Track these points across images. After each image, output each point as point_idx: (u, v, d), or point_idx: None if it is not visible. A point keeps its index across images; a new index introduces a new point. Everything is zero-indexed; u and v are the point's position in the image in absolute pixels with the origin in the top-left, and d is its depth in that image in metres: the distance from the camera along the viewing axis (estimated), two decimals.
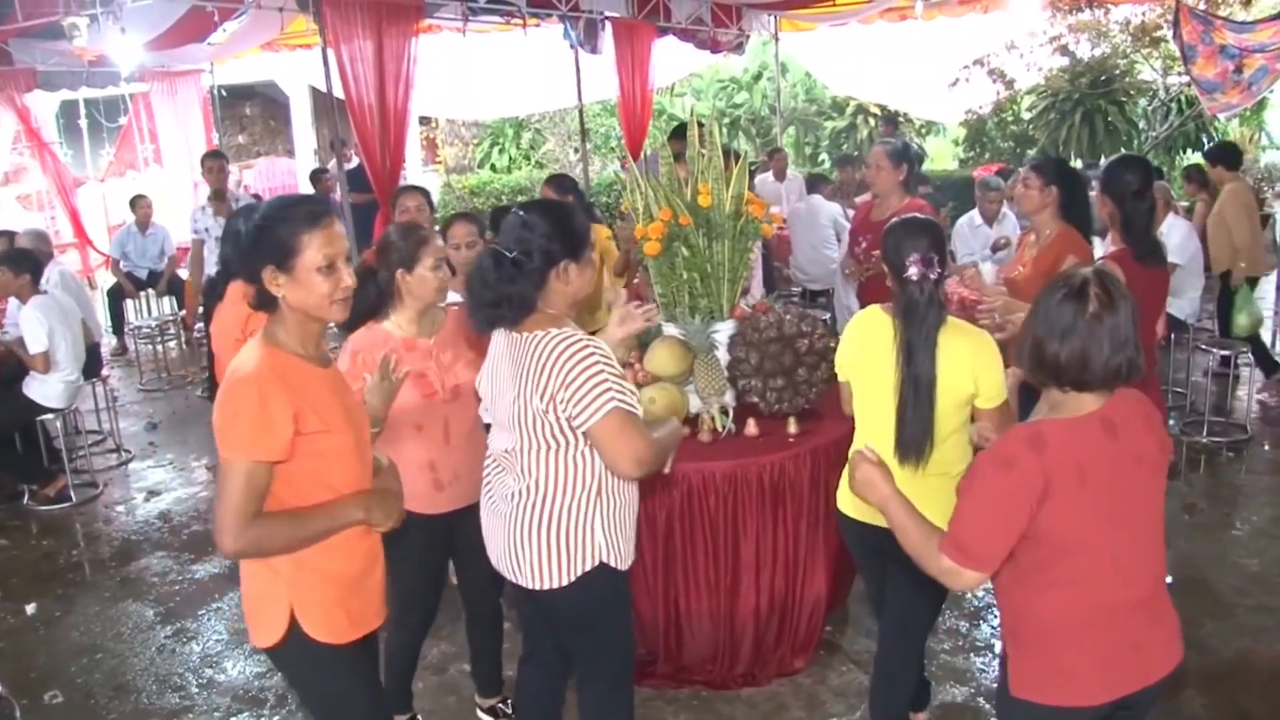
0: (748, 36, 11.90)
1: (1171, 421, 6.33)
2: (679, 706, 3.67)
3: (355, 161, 9.12)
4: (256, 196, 11.33)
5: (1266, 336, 8.21)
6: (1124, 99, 10.87)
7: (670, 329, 3.86)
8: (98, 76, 10.71)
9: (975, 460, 2.17)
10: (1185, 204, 8.83)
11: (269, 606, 2.32)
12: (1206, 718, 3.51)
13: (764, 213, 3.86)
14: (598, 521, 2.61)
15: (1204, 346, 6.76)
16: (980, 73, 11.03)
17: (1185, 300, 6.48)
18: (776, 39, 12.56)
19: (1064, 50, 10.80)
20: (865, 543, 3.03)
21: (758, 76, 16.91)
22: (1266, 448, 6.10)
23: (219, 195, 7.52)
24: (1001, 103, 11.54)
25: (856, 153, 14.07)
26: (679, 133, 7.99)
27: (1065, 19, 10.61)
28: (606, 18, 9.50)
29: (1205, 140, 12.17)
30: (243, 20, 7.79)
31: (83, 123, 13.39)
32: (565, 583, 2.61)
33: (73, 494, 6.12)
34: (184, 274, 9.10)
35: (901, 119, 14.71)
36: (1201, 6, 8.53)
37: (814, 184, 8.90)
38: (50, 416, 6.14)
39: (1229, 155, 7.54)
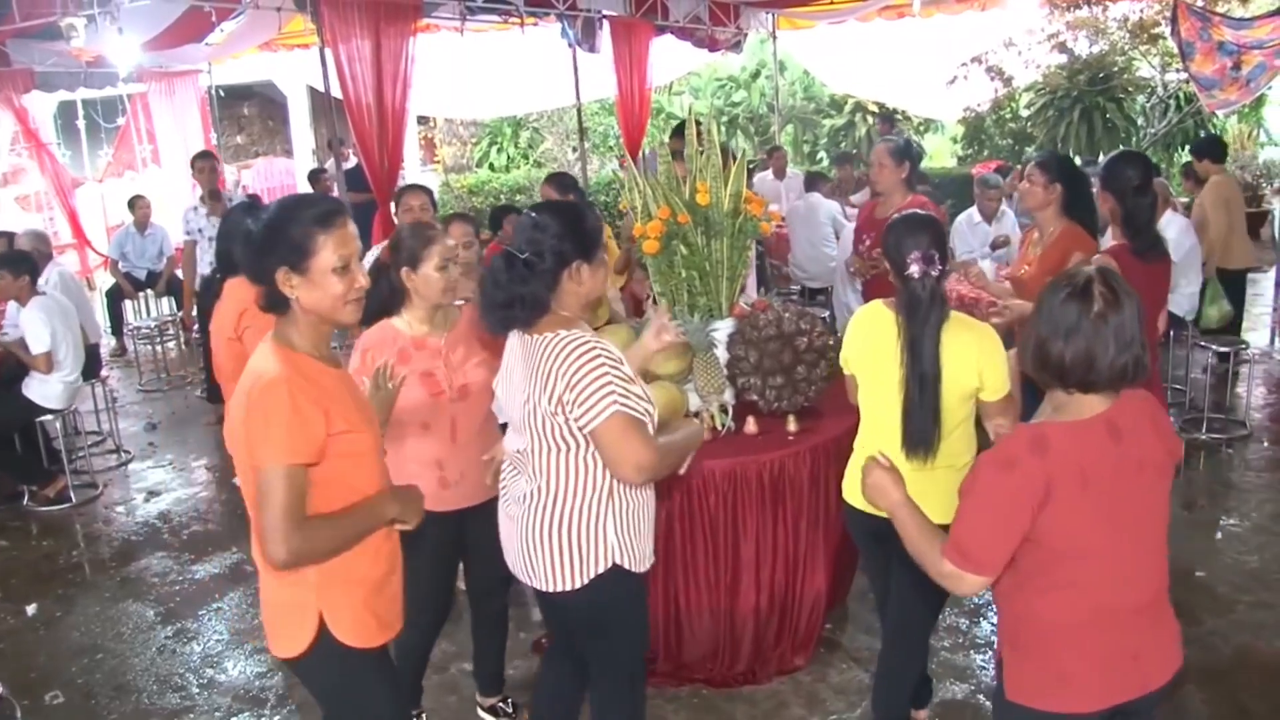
0: (745, 35, 11.89)
1: (1171, 418, 6.33)
2: (679, 705, 3.68)
3: (353, 161, 9.12)
4: (254, 196, 11.34)
5: (1265, 333, 8.23)
6: (1122, 96, 10.88)
7: None
8: (95, 77, 10.70)
9: (976, 462, 2.15)
10: (1184, 200, 8.83)
11: (296, 614, 2.27)
12: (1206, 714, 3.51)
13: (762, 211, 3.87)
14: (610, 523, 2.59)
15: (1203, 343, 6.76)
16: (978, 70, 11.03)
17: (1183, 296, 6.48)
18: (774, 37, 12.55)
19: (1062, 47, 10.80)
20: (870, 532, 3.05)
21: (756, 75, 16.90)
22: (1266, 444, 6.11)
23: (214, 195, 7.52)
24: (1000, 100, 11.54)
25: (855, 150, 14.09)
26: (680, 131, 7.99)
27: (1063, 16, 10.61)
28: (604, 16, 9.50)
29: (1204, 137, 12.17)
30: (240, 20, 7.78)
31: (81, 123, 13.39)
32: (577, 585, 2.61)
33: (72, 494, 6.12)
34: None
35: (900, 117, 14.71)
36: (1200, 3, 8.53)
37: (812, 182, 8.90)
38: (50, 417, 6.14)
39: (1214, 149, 7.59)
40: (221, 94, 12.60)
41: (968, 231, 7.33)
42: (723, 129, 15.83)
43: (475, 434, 3.21)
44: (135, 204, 9.75)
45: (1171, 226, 6.41)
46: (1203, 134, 11.86)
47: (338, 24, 6.51)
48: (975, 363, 2.83)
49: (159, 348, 9.23)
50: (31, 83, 10.31)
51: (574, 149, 15.06)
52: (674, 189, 3.75)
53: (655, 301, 4.01)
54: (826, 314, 8.03)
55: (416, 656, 3.46)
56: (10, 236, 7.45)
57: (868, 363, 3.01)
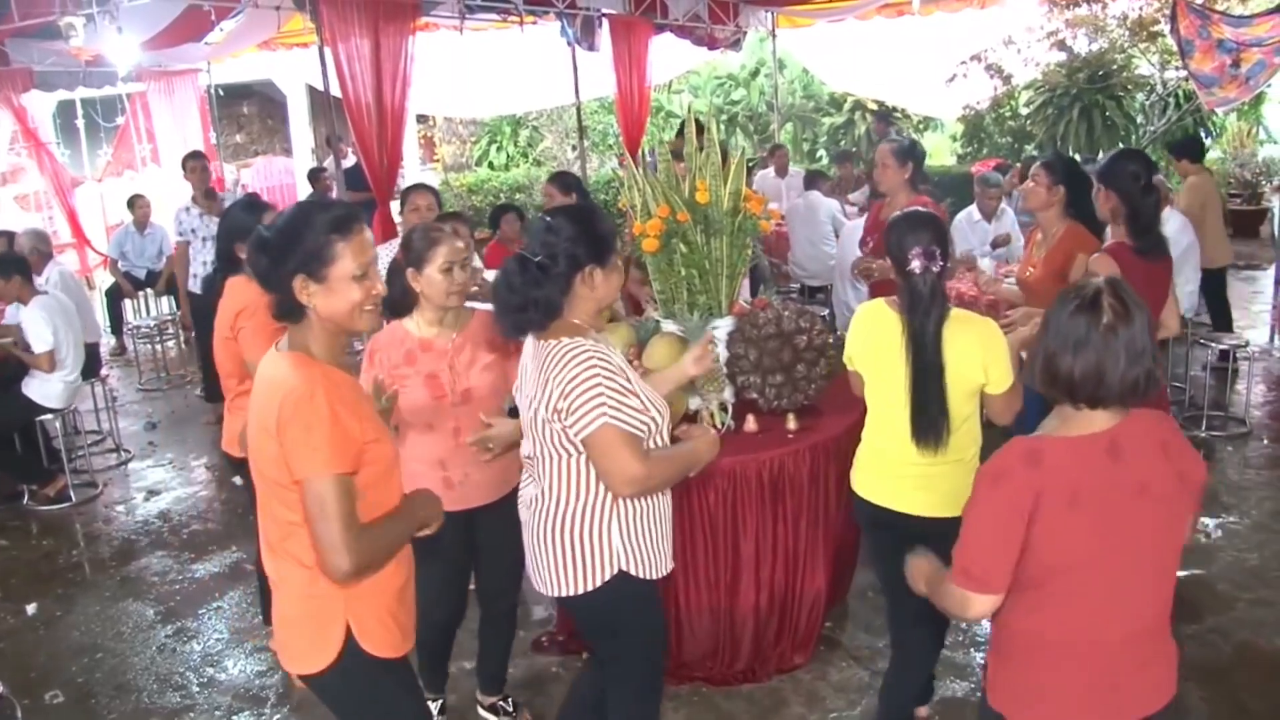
0: (745, 33, 11.89)
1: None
2: (679, 703, 3.68)
3: (352, 159, 9.11)
4: (254, 195, 11.33)
5: (1265, 330, 8.23)
6: (1121, 94, 10.86)
7: (669, 325, 3.86)
8: (95, 76, 10.68)
9: (975, 477, 2.12)
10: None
11: (322, 628, 2.23)
12: (1206, 711, 3.52)
13: (762, 209, 3.87)
14: (615, 529, 2.59)
15: (1202, 341, 6.76)
16: (978, 68, 11.00)
17: (1182, 294, 6.48)
18: (774, 35, 12.55)
19: (1061, 45, 10.77)
20: (878, 522, 3.12)
21: (755, 73, 16.88)
22: (1265, 442, 6.11)
23: (209, 194, 7.52)
24: (999, 98, 11.51)
25: (854, 149, 14.07)
26: (683, 132, 7.99)
27: (1062, 14, 10.58)
28: (604, 15, 9.49)
29: (1203, 135, 12.16)
30: (239, 19, 7.76)
31: (80, 123, 13.37)
32: (581, 590, 2.62)
33: (72, 494, 6.13)
34: None
35: (899, 115, 14.70)
36: (1199, 1, 8.51)
37: (812, 180, 8.90)
38: (49, 417, 6.14)
39: (1192, 149, 7.61)
40: (221, 93, 12.59)
41: (967, 230, 7.32)
42: (722, 127, 15.80)
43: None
44: (135, 203, 9.75)
45: (1170, 224, 6.40)
46: (1202, 132, 11.89)
47: (337, 23, 6.50)
48: (980, 358, 2.88)
49: (158, 347, 9.23)
50: (30, 82, 10.30)
51: (573, 147, 15.05)
52: (673, 187, 3.75)
53: (655, 302, 4.01)
54: (826, 312, 8.03)
55: (436, 648, 3.50)
56: (10, 236, 7.45)
57: (872, 360, 3.06)
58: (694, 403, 3.82)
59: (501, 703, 3.64)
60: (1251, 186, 13.11)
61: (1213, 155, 13.13)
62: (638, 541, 2.62)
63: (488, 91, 12.97)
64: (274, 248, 2.13)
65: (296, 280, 2.11)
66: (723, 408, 3.81)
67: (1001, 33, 10.94)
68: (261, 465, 2.18)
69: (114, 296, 9.84)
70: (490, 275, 4.73)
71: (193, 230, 7.38)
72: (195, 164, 7.56)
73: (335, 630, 2.22)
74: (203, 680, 4.10)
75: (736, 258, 3.86)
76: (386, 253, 4.13)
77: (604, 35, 9.58)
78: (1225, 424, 6.30)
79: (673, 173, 3.82)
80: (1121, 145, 10.33)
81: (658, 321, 3.92)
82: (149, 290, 9.84)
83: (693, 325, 3.77)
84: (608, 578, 2.60)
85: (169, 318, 9.71)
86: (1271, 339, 8.06)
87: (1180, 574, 4.22)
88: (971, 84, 11.18)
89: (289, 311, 2.17)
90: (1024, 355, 3.76)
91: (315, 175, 11.03)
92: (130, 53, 8.29)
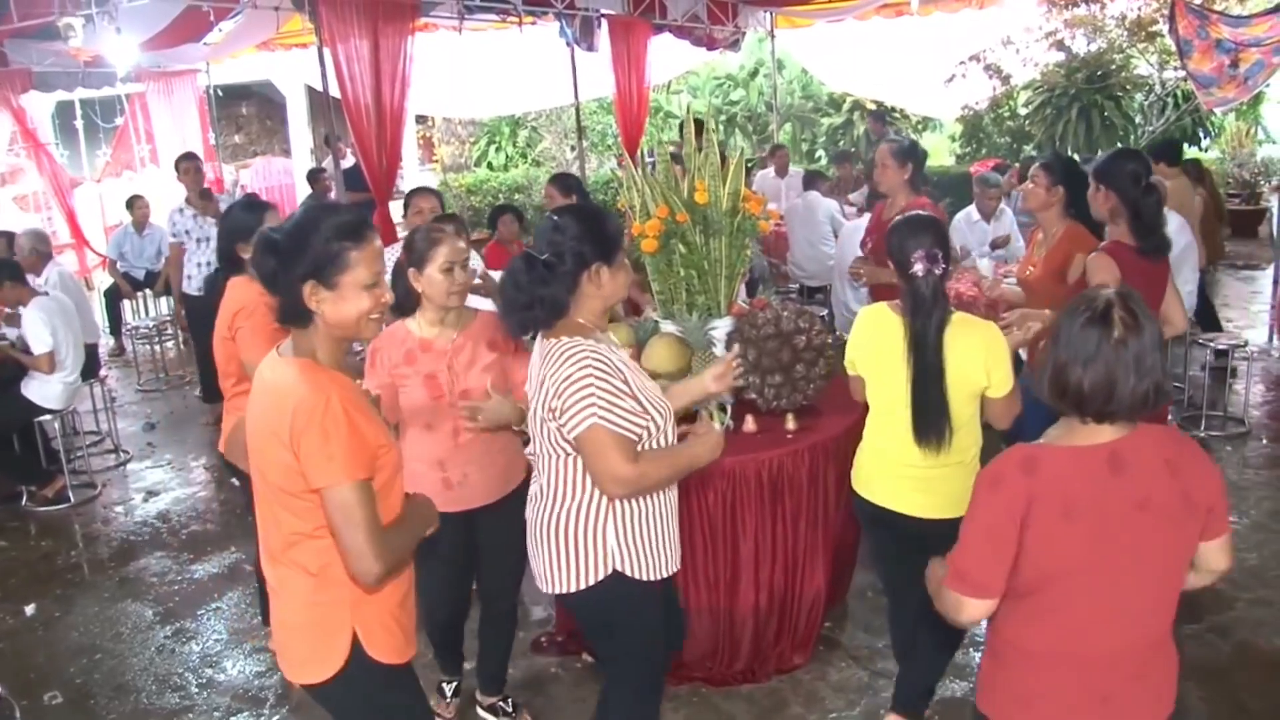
0: (744, 33, 11.89)
1: (1170, 416, 6.33)
2: (678, 703, 3.68)
3: (351, 160, 9.10)
4: (253, 195, 11.32)
5: (1263, 330, 8.23)
6: (1120, 94, 10.86)
7: (668, 326, 3.86)
8: (93, 77, 10.66)
9: (975, 482, 2.12)
10: None
11: (328, 635, 2.21)
12: (1204, 711, 3.52)
13: (761, 209, 3.87)
14: (611, 529, 2.60)
15: (1201, 341, 6.76)
16: (976, 68, 11.01)
17: (1181, 294, 6.47)
18: (773, 35, 12.55)
19: (1060, 45, 10.78)
20: (878, 521, 3.16)
21: (754, 73, 16.88)
22: (1264, 441, 6.11)
23: (205, 195, 7.51)
24: (998, 98, 11.52)
25: (853, 149, 14.07)
26: (696, 127, 7.98)
27: (1061, 14, 10.59)
28: (602, 15, 9.49)
29: (1202, 134, 12.16)
30: (238, 20, 7.77)
31: (79, 123, 13.35)
32: (575, 589, 2.63)
33: (71, 495, 6.12)
34: None
35: (897, 115, 14.71)
36: (1197, 1, 8.51)
37: (811, 180, 8.90)
38: (48, 417, 6.14)
39: (1167, 152, 7.59)
40: (220, 94, 12.58)
41: (966, 230, 7.33)
42: (721, 128, 15.80)
43: (477, 436, 3.22)
44: (134, 204, 9.74)
45: (1168, 224, 6.40)
46: (1201, 132, 11.90)
47: (336, 23, 6.50)
48: (983, 361, 2.91)
49: (157, 348, 9.23)
50: (29, 83, 10.29)
51: (572, 148, 15.05)
52: (672, 188, 3.75)
53: (655, 302, 4.01)
54: (825, 312, 8.03)
55: (445, 640, 3.59)
56: (10, 237, 7.44)
57: (874, 363, 3.08)
58: None
59: (501, 703, 3.64)
60: (1250, 186, 13.12)
61: (1211, 155, 13.16)
62: (635, 542, 2.62)
63: (487, 92, 12.96)
64: (284, 250, 2.10)
65: (306, 286, 2.09)
66: (722, 408, 3.81)
67: (1000, 33, 10.95)
68: (268, 472, 2.16)
69: (113, 297, 9.83)
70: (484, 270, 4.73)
71: (187, 231, 7.39)
72: (188, 165, 7.56)
73: (342, 637, 2.21)
74: (201, 681, 4.10)
75: (735, 258, 3.86)
76: (389, 256, 4.14)
77: (603, 36, 9.58)
78: (1224, 424, 6.30)
79: (671, 173, 3.83)
80: (1120, 145, 10.33)
81: (656, 322, 3.92)
82: (148, 291, 9.84)
83: (691, 326, 3.77)
84: (601, 577, 2.61)
85: (168, 318, 9.70)
86: (1270, 339, 8.06)
87: None
88: (970, 84, 11.19)
89: (295, 316, 2.14)
90: (1023, 354, 3.78)
91: (315, 176, 11.01)
92: (129, 53, 8.28)
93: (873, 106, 14.52)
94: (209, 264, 7.34)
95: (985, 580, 2.04)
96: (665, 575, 2.71)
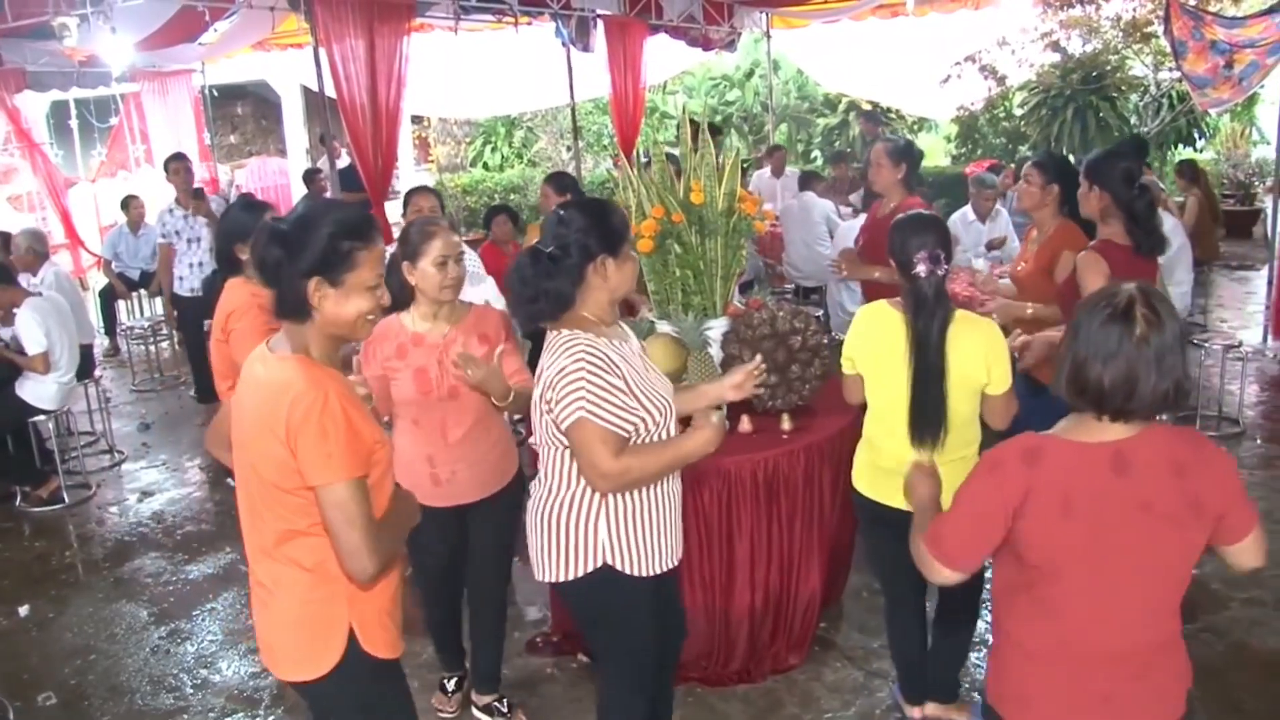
0: (739, 34, 11.88)
1: (1164, 416, 6.34)
2: (674, 703, 3.67)
3: (346, 160, 9.09)
4: (249, 195, 11.29)
5: (1258, 330, 8.24)
6: (1115, 94, 10.88)
7: (664, 326, 3.86)
8: (88, 77, 10.65)
9: (979, 460, 2.14)
10: (1179, 200, 8.85)
11: (324, 631, 2.20)
12: (1199, 710, 3.51)
13: (756, 210, 3.87)
14: (602, 522, 2.61)
15: (1195, 341, 6.77)
16: (972, 69, 11.03)
17: (1175, 295, 6.49)
18: (768, 36, 12.54)
19: (1055, 46, 10.80)
20: (877, 519, 3.19)
21: (750, 74, 16.87)
22: (1259, 441, 6.12)
23: (198, 194, 7.50)
24: (993, 99, 11.54)
25: (849, 149, 14.08)
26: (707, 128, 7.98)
27: (1056, 15, 10.61)
28: (598, 16, 9.48)
29: (1197, 135, 12.18)
30: (234, 20, 7.75)
31: (73, 123, 13.30)
32: (564, 579, 2.66)
33: (65, 495, 6.11)
34: None
35: (893, 115, 14.72)
36: (1192, 2, 8.52)
37: (806, 181, 8.90)
38: (42, 418, 6.13)
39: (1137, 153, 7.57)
40: (215, 94, 12.56)
41: (962, 230, 7.33)
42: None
43: (466, 433, 3.23)
44: (129, 204, 9.74)
45: (1162, 225, 6.41)
46: (1196, 133, 11.91)
47: (331, 23, 6.49)
48: (984, 358, 2.95)
49: (152, 348, 9.21)
50: (24, 82, 10.27)
51: (568, 148, 15.03)
52: (668, 188, 3.75)
53: (651, 304, 4.01)
54: (820, 313, 8.04)
55: (444, 635, 3.64)
56: (6, 237, 7.43)
57: (874, 361, 3.10)
58: None
59: (496, 703, 3.63)
60: (1245, 187, 13.15)
61: (1206, 156, 13.18)
62: (627, 537, 2.63)
63: (482, 92, 12.95)
64: (291, 243, 2.08)
65: (311, 282, 2.08)
66: (717, 408, 3.81)
67: (996, 33, 10.97)
68: (262, 468, 2.13)
69: (108, 297, 9.82)
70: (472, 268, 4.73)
71: (176, 232, 7.38)
72: (178, 165, 7.55)
73: (339, 633, 2.20)
74: (196, 682, 4.09)
75: (731, 258, 3.86)
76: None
77: (599, 36, 9.57)
78: (1219, 424, 6.31)
79: (667, 173, 3.83)
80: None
81: (652, 323, 3.92)
82: (143, 291, 9.82)
83: (687, 326, 3.77)
84: (590, 570, 2.63)
85: (162, 319, 9.69)
86: (1265, 339, 8.08)
87: None
88: (966, 85, 11.21)
89: (294, 311, 2.12)
90: (1014, 352, 3.78)
91: (311, 176, 11.00)
92: (124, 53, 8.28)
93: (868, 107, 14.54)
94: (200, 264, 7.34)
95: (957, 554, 2.08)
96: (658, 572, 2.71)
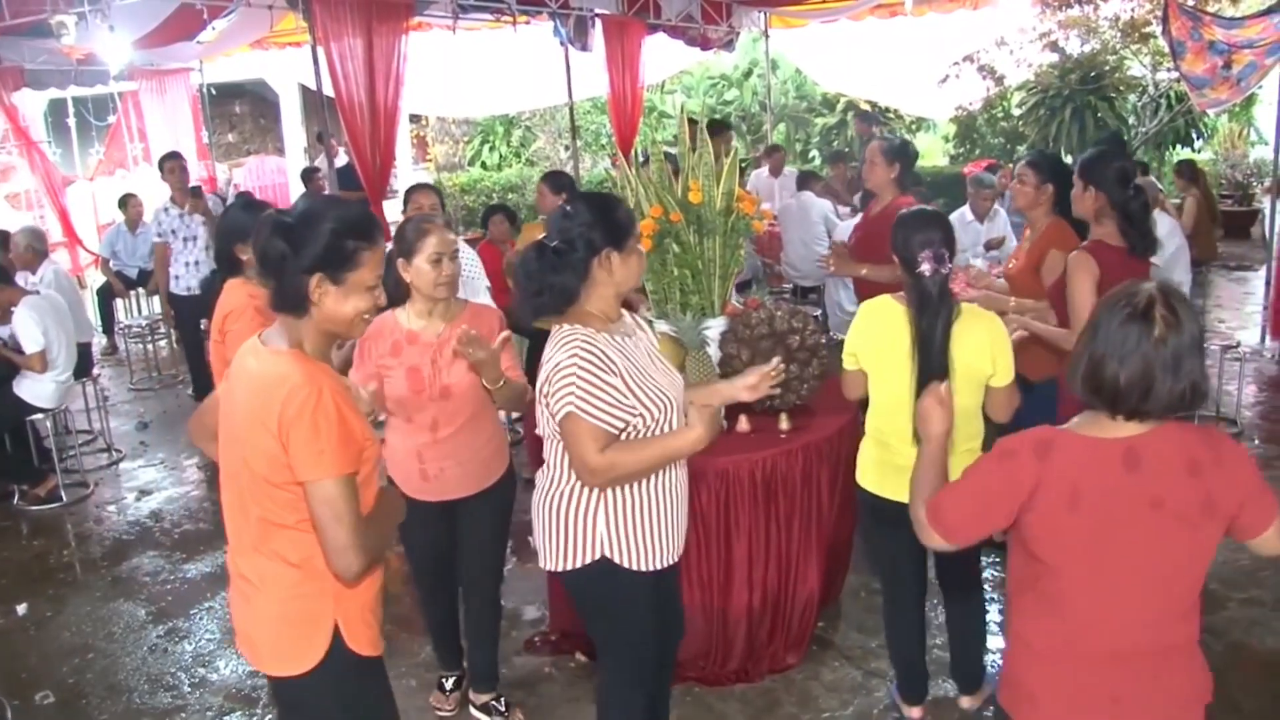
0: (738, 33, 11.88)
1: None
2: (672, 703, 3.65)
3: (344, 158, 9.08)
4: (247, 193, 11.28)
5: (1255, 331, 8.25)
6: (1114, 95, 10.89)
7: (662, 326, 3.86)
8: (86, 75, 10.63)
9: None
10: (1176, 201, 8.86)
11: (309, 627, 2.20)
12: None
13: (754, 209, 3.87)
14: (601, 515, 2.64)
15: None
16: (970, 69, 11.04)
17: None
18: (767, 36, 12.55)
19: (1054, 46, 10.81)
20: (881, 516, 3.21)
21: (748, 73, 16.88)
22: (1256, 442, 6.13)
23: (195, 193, 7.49)
24: (991, 99, 11.55)
25: (847, 149, 14.09)
26: (712, 127, 7.99)
27: (1055, 15, 10.62)
28: (596, 15, 9.48)
29: (1195, 136, 12.19)
30: (232, 18, 7.73)
31: (71, 121, 13.28)
32: (565, 568, 2.70)
33: (63, 494, 6.11)
34: None
35: (891, 115, 14.72)
36: (1190, 2, 8.53)
37: (805, 181, 8.91)
38: (40, 416, 6.12)
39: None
40: (213, 92, 12.55)
41: (960, 231, 7.29)
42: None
43: (457, 431, 3.24)
44: (127, 203, 9.73)
45: (1159, 226, 6.40)
46: (1194, 133, 11.93)
47: (329, 22, 6.49)
48: (989, 350, 2.98)
49: (150, 346, 9.20)
50: (21, 80, 10.26)
51: (566, 147, 15.03)
52: (666, 187, 3.75)
53: (649, 303, 4.01)
54: (819, 312, 8.05)
55: (442, 633, 3.67)
56: (5, 235, 7.42)
57: (879, 356, 3.11)
58: None
59: (494, 702, 3.63)
60: (1243, 187, 13.16)
61: (1204, 156, 13.19)
62: (625, 530, 2.65)
63: (480, 91, 12.95)
64: (296, 237, 2.07)
65: (314, 278, 2.08)
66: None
67: (994, 34, 10.98)
68: (251, 461, 2.13)
69: (105, 296, 9.80)
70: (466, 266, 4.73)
71: (172, 231, 7.37)
72: (173, 164, 7.54)
73: (324, 629, 2.20)
74: (194, 680, 4.09)
75: (729, 258, 3.86)
76: None
77: (597, 35, 9.57)
78: (1217, 424, 6.31)
79: (665, 173, 3.83)
80: (1125, 141, 10.33)
81: (650, 322, 3.92)
82: (140, 289, 9.81)
83: (685, 325, 3.77)
84: (588, 561, 2.66)
85: (160, 317, 9.68)
86: (1262, 339, 8.08)
87: None
88: (964, 85, 11.22)
89: (292, 304, 2.12)
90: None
91: (309, 175, 11.00)
92: (122, 51, 8.26)
93: (867, 107, 14.54)
94: (196, 263, 7.33)
95: (955, 528, 2.11)
96: (658, 567, 2.72)
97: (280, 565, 2.18)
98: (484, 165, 17.35)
